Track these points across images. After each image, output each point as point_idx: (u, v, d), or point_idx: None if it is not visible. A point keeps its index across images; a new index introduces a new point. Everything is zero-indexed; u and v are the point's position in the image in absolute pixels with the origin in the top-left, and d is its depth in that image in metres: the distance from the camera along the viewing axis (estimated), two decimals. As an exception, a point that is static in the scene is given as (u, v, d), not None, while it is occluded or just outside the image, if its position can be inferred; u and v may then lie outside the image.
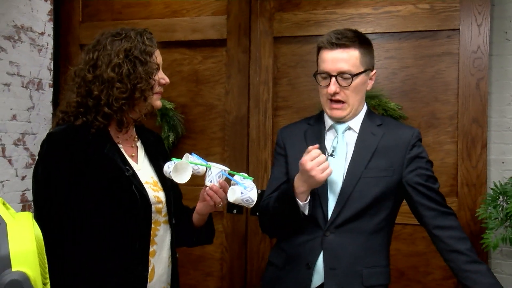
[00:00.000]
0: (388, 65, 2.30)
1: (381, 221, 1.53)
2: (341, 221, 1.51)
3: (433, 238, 1.53)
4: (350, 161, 1.54)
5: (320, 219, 1.52)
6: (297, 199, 1.47)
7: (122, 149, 1.45)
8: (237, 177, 1.43)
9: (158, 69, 1.47)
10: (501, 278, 1.53)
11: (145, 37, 1.45)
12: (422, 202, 1.52)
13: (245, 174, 1.45)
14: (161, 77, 1.49)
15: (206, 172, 1.42)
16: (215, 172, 1.40)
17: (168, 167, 1.38)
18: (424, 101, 2.27)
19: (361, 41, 1.54)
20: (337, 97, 1.53)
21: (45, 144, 1.41)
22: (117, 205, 1.37)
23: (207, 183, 1.40)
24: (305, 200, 1.48)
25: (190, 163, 1.39)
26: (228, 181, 1.45)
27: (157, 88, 1.48)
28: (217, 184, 1.40)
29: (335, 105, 1.54)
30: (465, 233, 1.52)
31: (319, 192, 1.53)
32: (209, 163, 1.42)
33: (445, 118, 2.24)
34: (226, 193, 1.41)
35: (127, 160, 1.44)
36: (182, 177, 1.37)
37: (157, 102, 1.51)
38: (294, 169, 1.57)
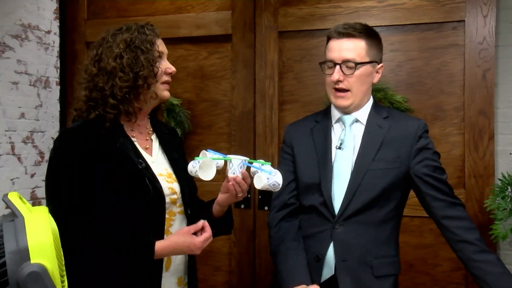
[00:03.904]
0: (393, 58, 2.30)
1: (389, 212, 1.55)
2: (349, 213, 1.52)
3: (441, 228, 1.53)
4: (358, 153, 1.55)
5: (329, 211, 1.54)
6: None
7: (136, 142, 1.48)
8: (256, 164, 1.47)
9: (161, 57, 1.48)
10: (510, 269, 1.53)
11: (146, 28, 1.48)
12: (430, 192, 1.52)
13: (262, 161, 1.48)
14: (167, 66, 1.50)
15: (227, 164, 1.45)
16: (236, 164, 1.43)
17: (193, 167, 1.41)
18: (430, 94, 2.26)
19: (368, 33, 1.56)
20: (341, 85, 1.54)
21: (58, 141, 1.43)
22: (131, 197, 1.39)
23: (230, 174, 1.44)
24: None
25: (212, 159, 1.42)
26: (248, 169, 1.48)
27: (164, 78, 1.49)
28: (240, 175, 1.43)
29: (339, 94, 1.55)
30: (473, 223, 1.53)
31: (327, 185, 1.54)
32: (228, 155, 1.45)
33: (451, 110, 2.24)
34: (247, 183, 1.45)
35: (140, 153, 1.46)
36: (207, 174, 1.40)
37: (165, 93, 1.51)
38: (301, 167, 1.61)
